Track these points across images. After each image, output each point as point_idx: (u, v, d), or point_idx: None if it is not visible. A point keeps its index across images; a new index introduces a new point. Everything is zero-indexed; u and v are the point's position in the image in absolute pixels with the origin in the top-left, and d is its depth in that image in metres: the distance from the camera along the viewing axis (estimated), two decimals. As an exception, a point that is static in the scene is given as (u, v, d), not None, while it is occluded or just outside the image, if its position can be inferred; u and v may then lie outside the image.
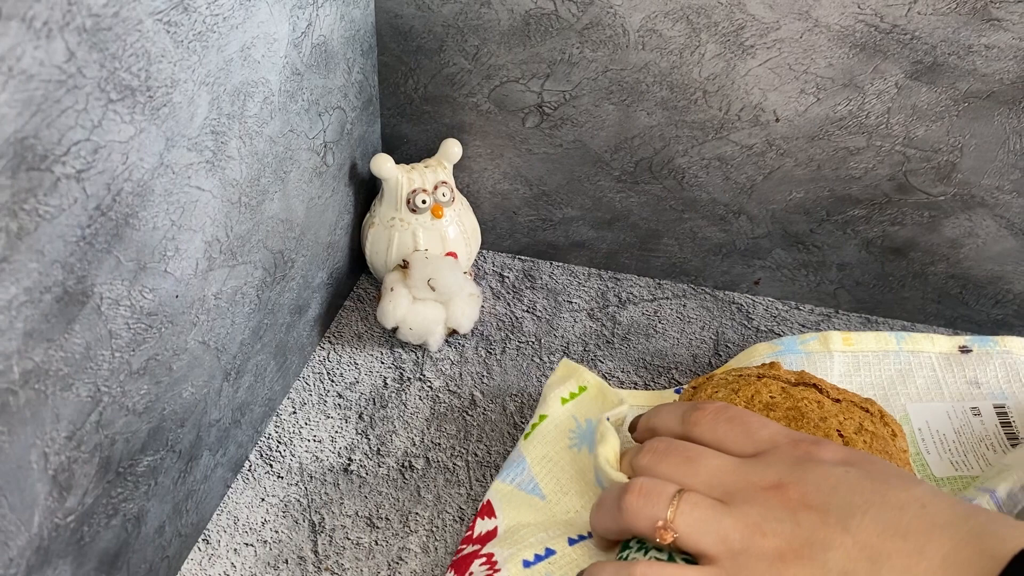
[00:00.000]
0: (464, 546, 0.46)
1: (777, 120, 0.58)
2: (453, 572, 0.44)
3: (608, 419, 0.48)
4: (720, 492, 0.36)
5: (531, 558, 0.43)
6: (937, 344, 0.56)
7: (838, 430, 0.44)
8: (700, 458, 0.38)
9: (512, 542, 0.44)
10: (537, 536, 0.44)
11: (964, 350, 0.56)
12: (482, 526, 0.47)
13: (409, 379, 0.59)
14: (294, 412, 0.56)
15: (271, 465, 0.53)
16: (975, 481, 0.49)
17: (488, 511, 0.47)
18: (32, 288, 0.29)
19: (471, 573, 0.43)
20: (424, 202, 0.61)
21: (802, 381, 0.48)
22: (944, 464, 0.51)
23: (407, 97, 0.64)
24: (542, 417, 0.52)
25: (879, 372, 0.55)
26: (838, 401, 0.47)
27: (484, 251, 0.72)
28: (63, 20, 0.28)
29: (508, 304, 0.66)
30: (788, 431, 0.38)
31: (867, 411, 0.46)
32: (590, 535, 0.45)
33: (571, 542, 0.44)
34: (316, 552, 0.48)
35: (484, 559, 0.43)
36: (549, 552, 0.43)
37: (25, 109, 0.27)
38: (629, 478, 0.42)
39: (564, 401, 0.53)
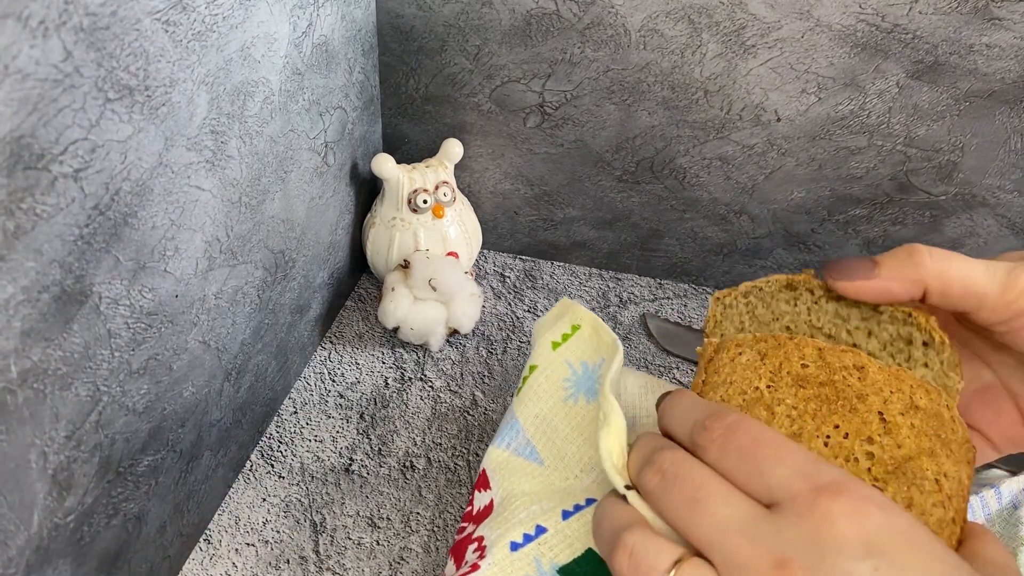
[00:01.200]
0: (465, 524, 0.44)
1: (778, 120, 0.58)
2: (452, 559, 0.42)
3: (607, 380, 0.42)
4: (720, 558, 0.31)
5: (519, 539, 0.40)
6: None
7: (880, 412, 0.37)
8: (707, 501, 0.32)
9: (503, 519, 0.42)
10: (529, 510, 0.42)
11: None
12: (479, 500, 0.44)
13: (410, 379, 0.59)
14: (295, 412, 0.56)
15: (272, 465, 0.53)
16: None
17: (484, 482, 0.45)
18: (30, 287, 0.29)
19: (465, 562, 0.41)
20: (425, 202, 0.61)
21: (827, 292, 0.41)
22: None
23: (408, 97, 0.64)
24: (532, 368, 0.48)
25: None
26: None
27: (485, 251, 0.72)
28: (59, 19, 0.28)
29: (509, 304, 0.66)
30: (809, 467, 0.31)
31: (926, 389, 0.38)
32: (588, 502, 0.42)
33: (565, 515, 0.41)
34: (317, 552, 0.48)
35: (476, 543, 0.41)
36: (540, 531, 0.40)
37: (21, 108, 0.27)
38: (630, 487, 0.37)
39: (556, 345, 0.48)
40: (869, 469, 0.34)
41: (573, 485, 0.44)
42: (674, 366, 0.61)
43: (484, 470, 0.45)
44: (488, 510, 0.44)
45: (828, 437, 0.35)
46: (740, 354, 0.40)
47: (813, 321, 0.40)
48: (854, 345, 0.39)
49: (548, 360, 0.47)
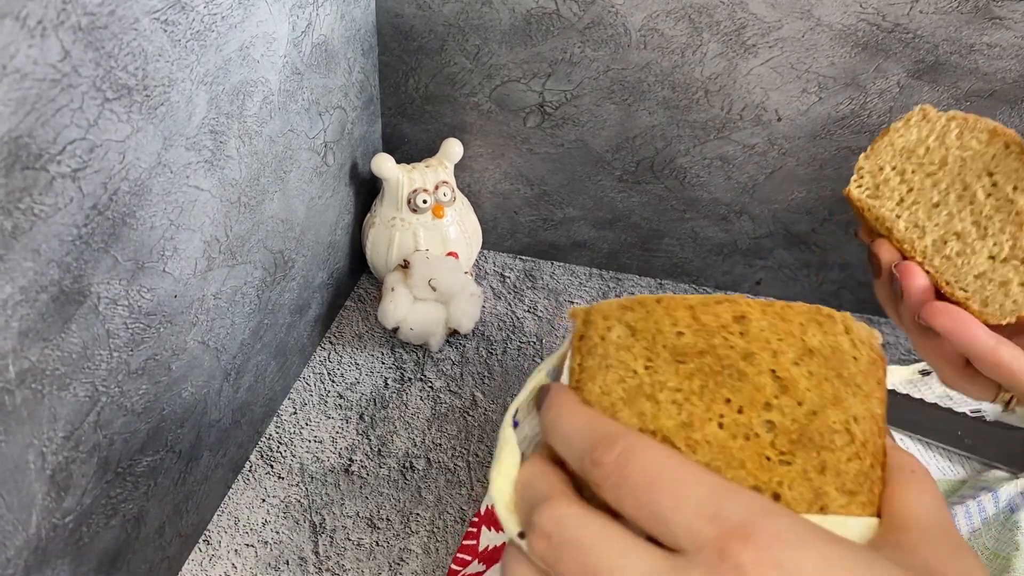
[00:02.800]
0: (467, 557, 0.44)
1: (779, 119, 0.58)
2: None
3: (515, 417, 0.36)
4: None
5: None
6: (896, 374, 0.57)
7: (772, 369, 0.33)
8: (602, 567, 0.29)
9: None
10: None
11: (924, 373, 0.57)
12: (489, 539, 0.44)
13: (410, 379, 0.59)
14: (295, 412, 0.56)
15: (272, 466, 0.53)
16: (964, 485, 0.49)
17: (496, 522, 0.45)
18: (28, 287, 0.29)
19: None
20: (425, 202, 0.61)
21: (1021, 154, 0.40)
22: (931, 469, 0.51)
23: (408, 97, 0.63)
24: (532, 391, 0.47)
25: None
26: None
27: (485, 251, 0.72)
28: (58, 19, 0.28)
29: (509, 304, 0.66)
30: (711, 506, 0.29)
31: (817, 322, 0.34)
32: None
33: None
34: (317, 553, 0.48)
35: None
36: None
37: (19, 108, 0.27)
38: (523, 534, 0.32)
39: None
40: (772, 443, 0.31)
41: None
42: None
43: (493, 507, 0.43)
44: (501, 550, 0.43)
45: (722, 417, 0.32)
46: (609, 329, 0.36)
47: (991, 167, 0.39)
48: (1014, 190, 0.38)
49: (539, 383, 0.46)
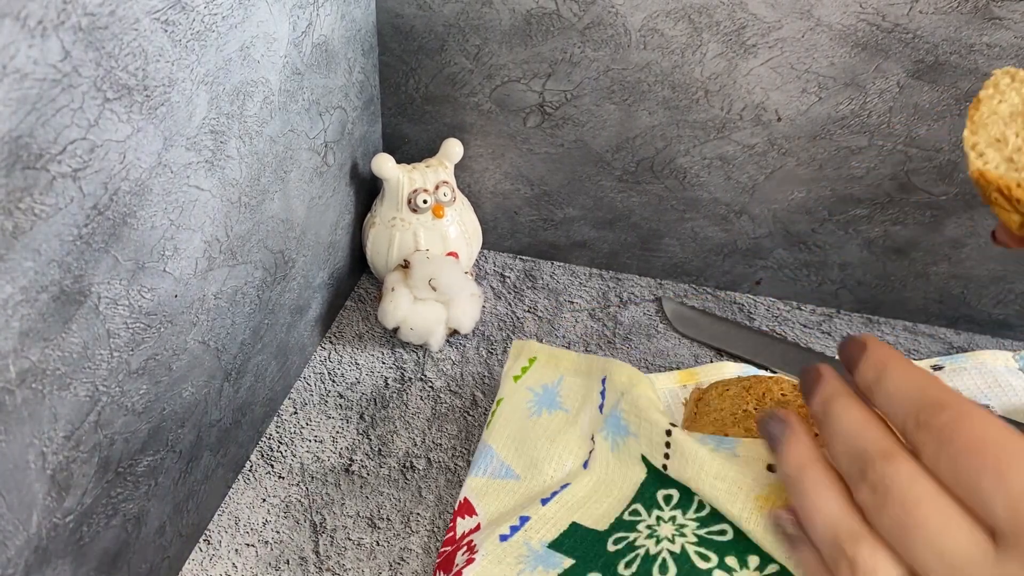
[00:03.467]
0: (447, 548, 0.46)
1: (779, 119, 0.58)
2: (441, 572, 0.44)
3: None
4: None
5: (507, 531, 0.43)
6: None
7: None
8: (926, 526, 0.29)
9: (491, 529, 0.45)
10: (512, 513, 0.45)
11: (936, 368, 0.57)
12: (464, 525, 0.47)
13: (410, 379, 0.59)
14: (295, 412, 0.56)
15: (272, 465, 0.53)
16: None
17: (468, 509, 0.47)
18: (28, 287, 0.29)
19: (456, 565, 0.43)
20: (425, 202, 0.61)
21: None
22: None
23: (408, 97, 0.64)
24: (499, 402, 0.52)
25: None
26: None
27: (485, 251, 0.72)
28: (58, 19, 0.28)
29: (509, 304, 0.66)
30: None
31: None
32: (564, 487, 0.45)
33: (544, 502, 0.45)
34: (317, 553, 0.48)
35: (465, 547, 0.44)
36: (524, 520, 0.44)
37: (20, 108, 0.27)
38: (674, 425, 0.40)
39: (516, 378, 0.53)
40: None
41: (550, 485, 0.48)
42: (675, 367, 0.61)
43: (466, 498, 0.48)
44: (475, 531, 0.46)
45: None
46: (727, 390, 0.47)
47: None
48: None
49: (511, 391, 0.53)
